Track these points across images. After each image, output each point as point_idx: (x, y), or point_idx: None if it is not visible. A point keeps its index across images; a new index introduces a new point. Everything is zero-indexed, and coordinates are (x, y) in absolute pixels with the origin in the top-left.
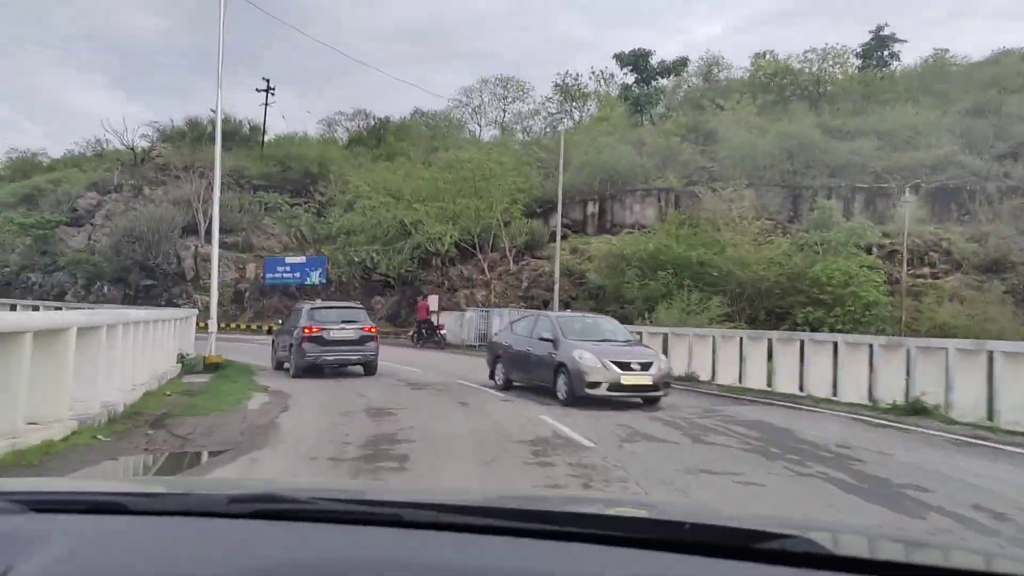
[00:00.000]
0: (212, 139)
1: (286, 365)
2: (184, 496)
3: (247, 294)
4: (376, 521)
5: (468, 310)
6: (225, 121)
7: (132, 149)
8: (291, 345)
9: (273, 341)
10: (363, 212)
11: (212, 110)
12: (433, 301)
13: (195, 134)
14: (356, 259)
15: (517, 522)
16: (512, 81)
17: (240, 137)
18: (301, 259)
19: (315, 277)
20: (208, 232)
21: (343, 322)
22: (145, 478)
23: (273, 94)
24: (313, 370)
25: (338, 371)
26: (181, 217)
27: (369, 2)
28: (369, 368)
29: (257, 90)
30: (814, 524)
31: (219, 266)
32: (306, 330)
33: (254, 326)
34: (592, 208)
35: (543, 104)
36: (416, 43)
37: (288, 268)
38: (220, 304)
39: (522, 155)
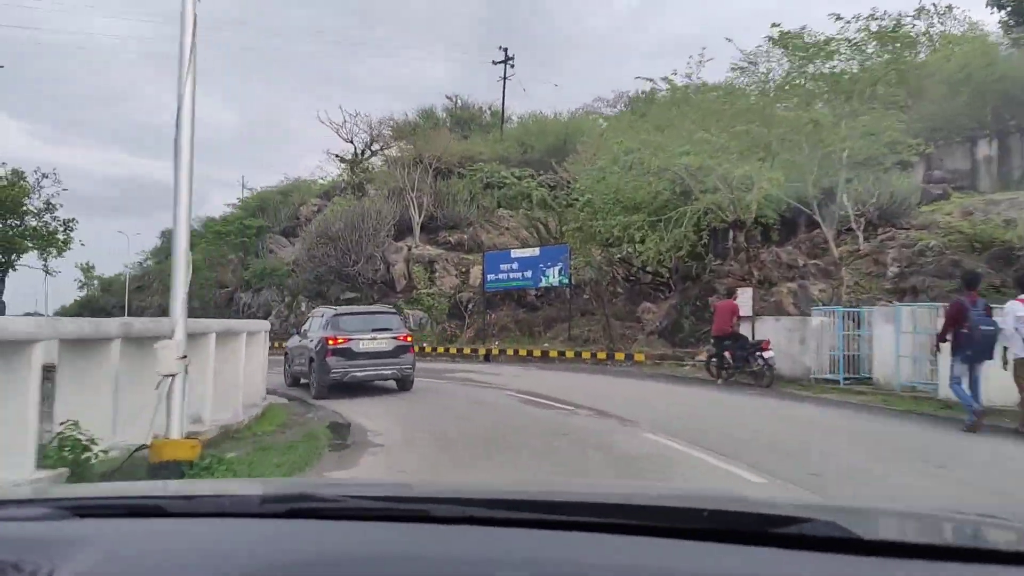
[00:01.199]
0: (446, 126)
1: (303, 381)
2: (218, 498)
3: (469, 305)
4: (406, 517)
5: (813, 313)
6: (463, 108)
7: (350, 142)
8: (311, 359)
9: (286, 353)
10: (618, 168)
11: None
12: (744, 299)
13: (429, 124)
14: (603, 234)
15: (544, 514)
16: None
17: (480, 124)
18: (533, 252)
19: (553, 276)
20: (424, 229)
21: (374, 331)
22: (180, 482)
23: (512, 66)
24: (339, 387)
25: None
26: (391, 211)
27: None
28: (404, 383)
29: (494, 62)
30: (833, 507)
31: (438, 270)
32: (330, 341)
33: (468, 349)
34: (987, 149)
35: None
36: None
37: (515, 265)
38: (435, 320)
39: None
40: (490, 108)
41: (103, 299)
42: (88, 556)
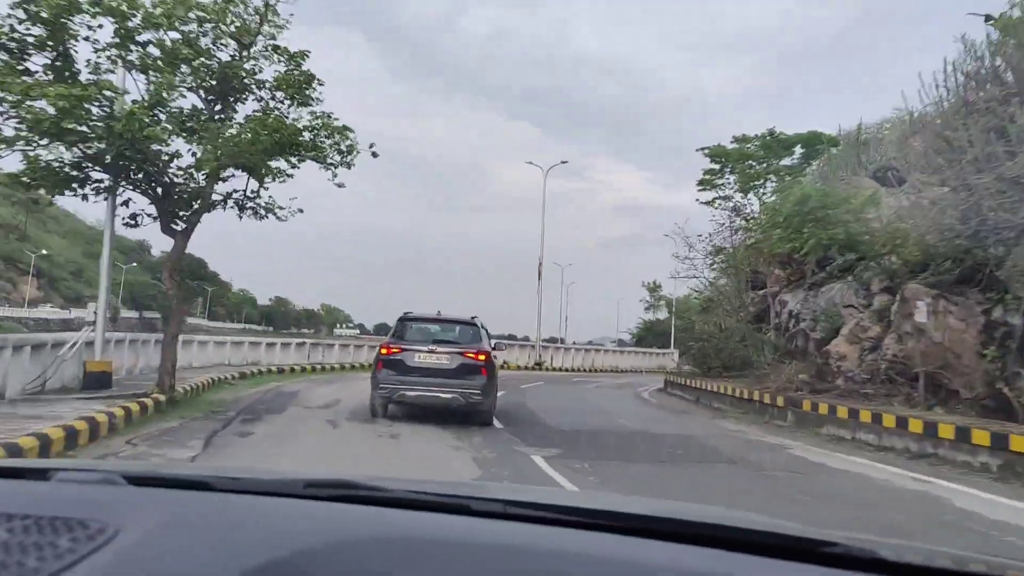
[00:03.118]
0: None
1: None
2: (263, 480)
3: None
4: (449, 509)
5: None
6: None
7: None
8: None
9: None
10: None
11: None
12: None
13: None
14: None
15: (584, 518)
16: None
17: None
18: None
19: None
20: None
21: (435, 342)
22: (220, 466)
23: None
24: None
25: None
26: None
27: None
28: (478, 416)
29: None
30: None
31: None
32: (384, 350)
33: None
34: None
35: None
36: None
37: None
38: None
39: None
40: None
41: None
42: (149, 519)
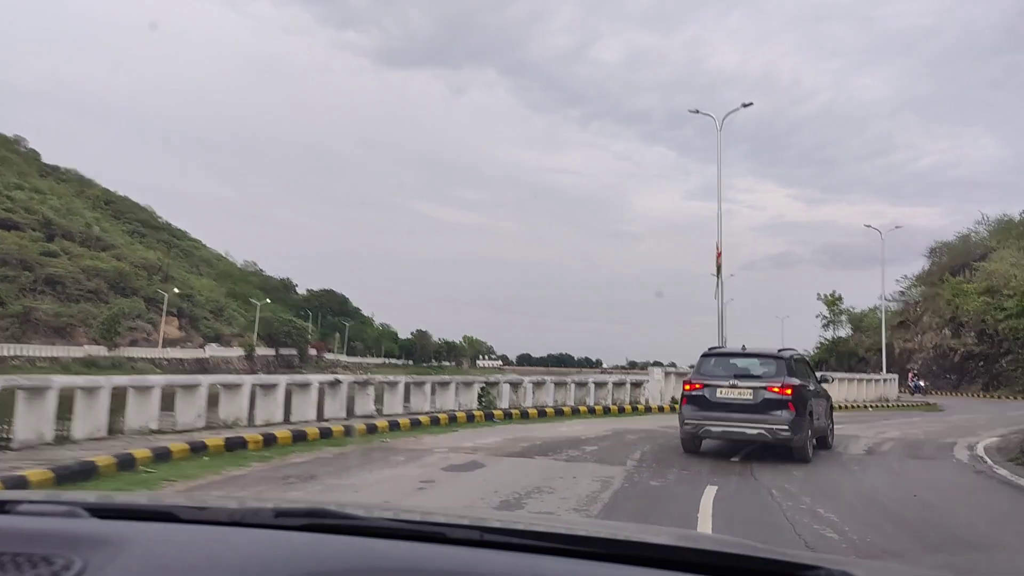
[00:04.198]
0: None
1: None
2: (232, 509)
3: None
4: (421, 537)
5: None
6: None
7: None
8: None
9: None
10: None
11: None
12: None
13: None
14: None
15: (562, 544)
16: None
17: None
18: None
19: None
20: None
21: (736, 377)
22: (191, 495)
23: None
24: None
25: None
26: None
27: None
28: (790, 452)
29: None
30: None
31: None
32: (687, 386)
33: None
34: None
35: None
36: None
37: None
38: None
39: None
40: None
41: None
42: (114, 554)
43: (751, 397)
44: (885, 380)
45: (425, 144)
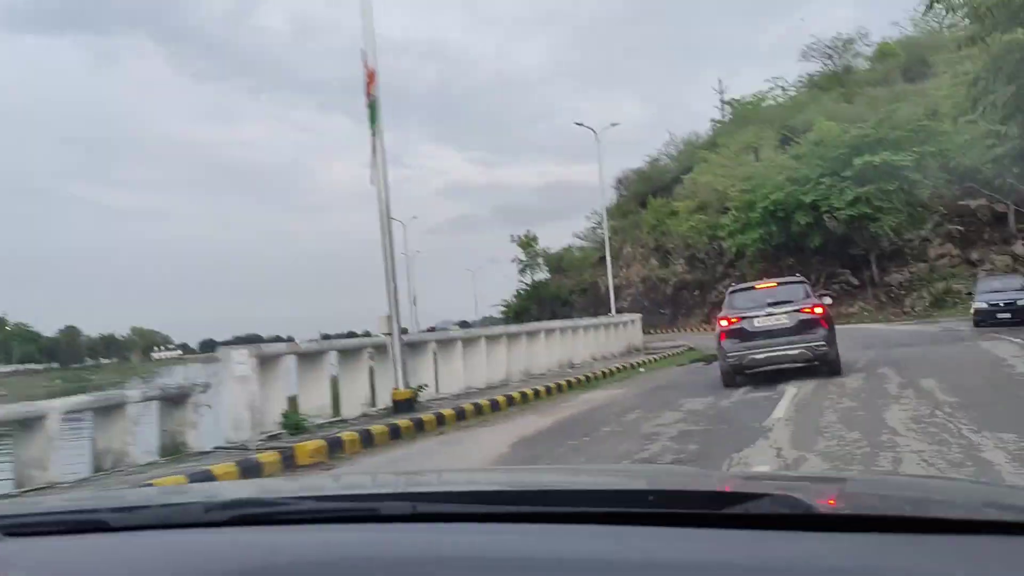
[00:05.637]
0: None
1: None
2: (162, 509)
3: None
4: (353, 518)
5: None
6: None
7: None
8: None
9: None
10: None
11: None
12: None
13: None
14: None
15: (494, 506)
16: None
17: None
18: None
19: None
20: None
21: (769, 305)
22: (126, 490)
23: None
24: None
25: None
26: None
27: None
28: (827, 366)
29: None
30: (790, 479)
31: None
32: (723, 321)
33: None
34: None
35: None
36: None
37: None
38: None
39: None
40: None
41: None
42: None
43: (788, 321)
44: (626, 323)
45: (78, 121)
